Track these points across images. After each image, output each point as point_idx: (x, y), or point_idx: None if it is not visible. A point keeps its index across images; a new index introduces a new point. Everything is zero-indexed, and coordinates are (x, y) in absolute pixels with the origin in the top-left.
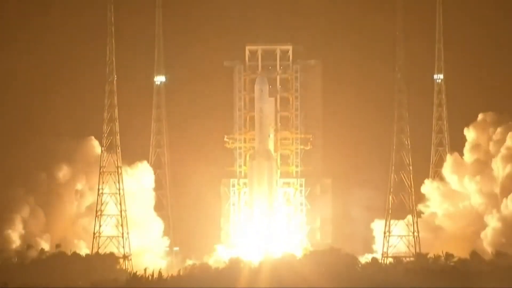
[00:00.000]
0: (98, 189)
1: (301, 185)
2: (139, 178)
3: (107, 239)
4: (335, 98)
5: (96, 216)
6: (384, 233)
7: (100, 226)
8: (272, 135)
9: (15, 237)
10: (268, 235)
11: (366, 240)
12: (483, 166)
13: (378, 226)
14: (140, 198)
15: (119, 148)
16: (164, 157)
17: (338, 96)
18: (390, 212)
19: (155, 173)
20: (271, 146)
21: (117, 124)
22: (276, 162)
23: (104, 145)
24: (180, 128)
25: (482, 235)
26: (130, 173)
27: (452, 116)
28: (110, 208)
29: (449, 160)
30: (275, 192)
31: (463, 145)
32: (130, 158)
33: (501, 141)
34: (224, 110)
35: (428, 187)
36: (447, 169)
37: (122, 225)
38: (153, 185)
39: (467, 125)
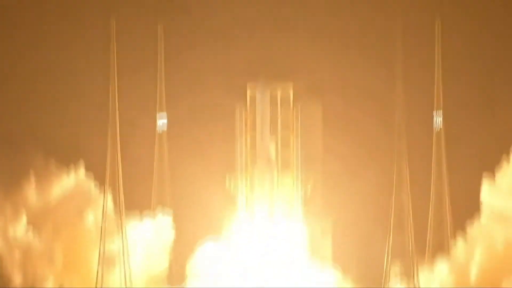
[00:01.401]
0: (101, 233)
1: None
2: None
3: None
4: (335, 137)
5: (98, 263)
6: (384, 276)
7: (102, 275)
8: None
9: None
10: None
11: (367, 281)
12: None
13: None
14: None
15: (121, 190)
16: (166, 198)
17: (338, 135)
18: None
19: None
20: (271, 150)
21: (119, 169)
22: (276, 166)
23: (106, 189)
24: (181, 168)
25: None
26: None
27: (450, 152)
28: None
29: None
30: (275, 195)
31: (461, 183)
32: (132, 201)
33: None
34: (226, 150)
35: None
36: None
37: (125, 280)
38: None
39: (466, 163)
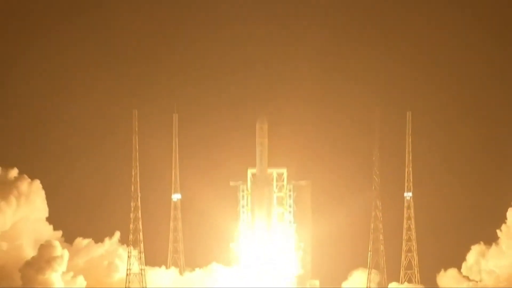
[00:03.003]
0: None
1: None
2: None
3: None
4: (322, 212)
5: None
6: None
7: None
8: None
9: None
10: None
11: None
12: None
13: None
14: None
15: (143, 253)
16: (181, 261)
17: (325, 210)
18: None
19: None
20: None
21: (141, 234)
22: (273, 186)
23: (130, 254)
24: (193, 237)
25: None
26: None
27: (419, 227)
28: None
29: None
30: (272, 212)
31: (429, 254)
32: (151, 262)
33: None
34: (231, 222)
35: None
36: None
37: None
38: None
39: (431, 234)
